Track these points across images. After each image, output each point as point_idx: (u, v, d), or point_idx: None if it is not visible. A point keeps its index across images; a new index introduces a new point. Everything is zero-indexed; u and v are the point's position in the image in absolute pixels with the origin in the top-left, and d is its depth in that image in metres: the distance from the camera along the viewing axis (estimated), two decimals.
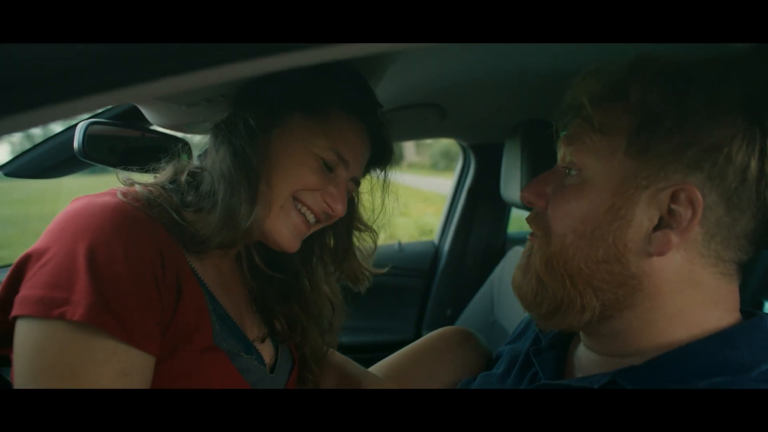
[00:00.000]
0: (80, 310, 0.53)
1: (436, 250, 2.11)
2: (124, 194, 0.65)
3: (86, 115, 0.93)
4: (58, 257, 0.56)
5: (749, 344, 0.54)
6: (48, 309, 0.54)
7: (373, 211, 0.86)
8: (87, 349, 0.55)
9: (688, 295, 0.56)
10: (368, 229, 0.87)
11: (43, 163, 1.03)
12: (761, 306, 1.20)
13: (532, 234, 0.65)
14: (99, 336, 0.55)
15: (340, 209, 0.74)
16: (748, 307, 0.60)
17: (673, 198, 0.54)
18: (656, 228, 0.55)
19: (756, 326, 0.56)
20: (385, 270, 0.90)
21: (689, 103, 0.53)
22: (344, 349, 0.99)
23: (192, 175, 0.72)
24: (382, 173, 0.84)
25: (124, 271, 0.57)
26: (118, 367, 0.56)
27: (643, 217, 0.55)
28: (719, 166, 0.52)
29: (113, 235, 0.58)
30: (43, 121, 0.37)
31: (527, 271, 0.63)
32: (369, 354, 1.13)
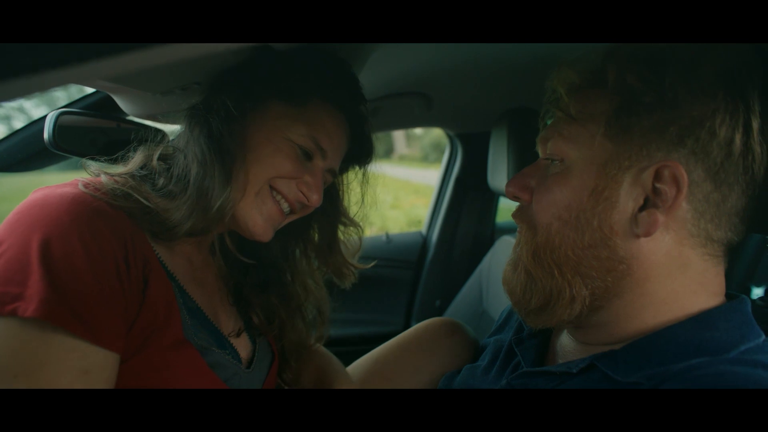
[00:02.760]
0: (32, 306, 0.51)
1: (424, 240, 2.10)
2: (86, 185, 0.62)
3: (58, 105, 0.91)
4: (11, 251, 0.54)
5: (728, 326, 0.54)
6: (0, 305, 0.51)
7: (359, 204, 0.85)
8: (42, 346, 0.52)
9: (677, 280, 0.55)
10: (353, 223, 0.86)
11: (13, 156, 1.00)
12: (749, 291, 1.21)
13: (520, 229, 0.64)
14: (55, 333, 0.52)
15: (315, 199, 0.73)
16: (736, 292, 0.59)
17: (657, 176, 0.53)
18: (642, 208, 0.54)
19: (735, 308, 0.56)
20: (370, 265, 0.89)
21: (667, 78, 0.52)
22: (333, 342, 0.98)
23: (164, 158, 0.70)
24: (364, 168, 0.83)
25: (82, 264, 0.54)
26: (78, 364, 0.53)
27: (628, 198, 0.54)
28: (702, 141, 0.51)
29: (70, 226, 0.55)
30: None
31: (516, 266, 0.63)
32: (358, 346, 1.12)
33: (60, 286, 0.52)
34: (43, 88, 0.28)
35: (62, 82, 0.28)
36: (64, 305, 0.52)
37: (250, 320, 0.81)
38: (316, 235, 0.86)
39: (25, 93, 0.29)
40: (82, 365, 0.53)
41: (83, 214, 0.57)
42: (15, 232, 0.55)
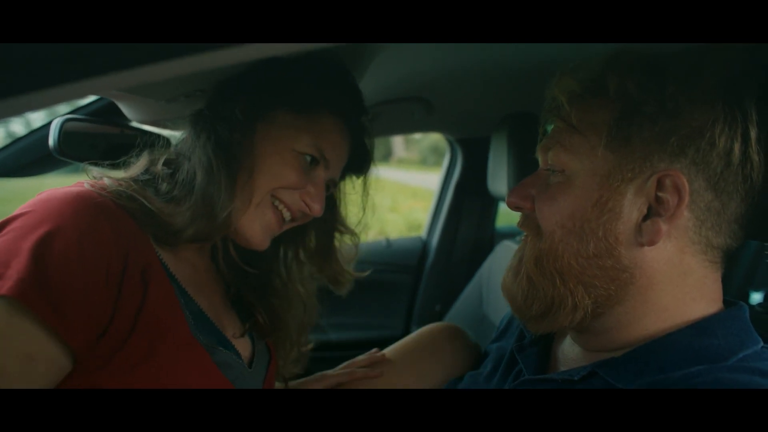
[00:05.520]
0: (8, 284, 0.52)
1: (424, 245, 2.11)
2: (92, 185, 0.63)
3: (62, 112, 0.91)
4: (9, 236, 0.55)
5: (726, 333, 0.54)
6: None
7: (359, 212, 0.86)
8: (3, 323, 0.52)
9: (678, 287, 0.56)
10: (349, 231, 0.87)
11: (17, 161, 1.01)
12: (747, 297, 1.21)
13: (525, 236, 0.64)
14: (21, 313, 0.52)
15: (317, 208, 0.74)
16: (735, 298, 0.60)
17: (660, 185, 0.54)
18: (645, 218, 0.55)
19: (734, 315, 0.56)
20: (366, 273, 0.90)
21: (667, 89, 0.53)
22: (333, 347, 0.99)
23: (168, 163, 0.71)
24: (362, 178, 0.84)
25: (73, 257, 0.55)
26: (27, 349, 0.53)
27: (632, 208, 0.55)
28: (703, 151, 0.52)
29: (71, 221, 0.56)
30: (12, 113, 0.35)
31: (518, 272, 0.63)
32: (357, 351, 1.12)
33: (42, 273, 0.53)
34: (64, 99, 0.29)
35: (84, 94, 0.29)
36: (39, 290, 0.52)
37: (251, 322, 0.81)
38: (312, 241, 0.86)
39: (46, 105, 0.29)
40: (30, 350, 0.53)
41: (86, 211, 0.58)
42: (15, 221, 0.56)
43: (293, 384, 0.91)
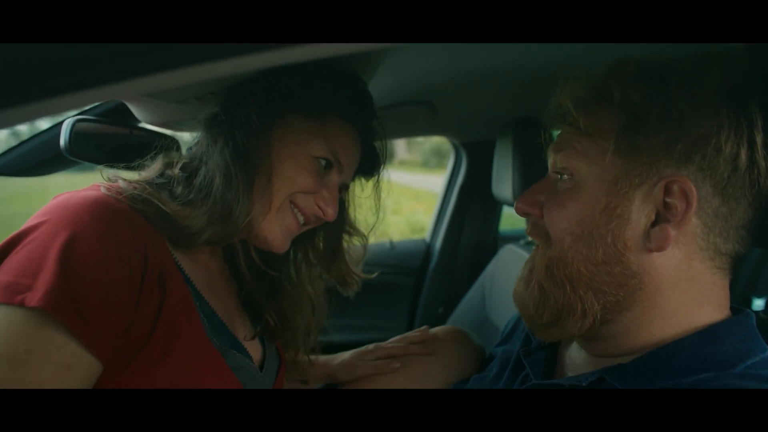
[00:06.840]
0: (38, 295, 0.52)
1: (428, 248, 2.11)
2: (108, 189, 0.63)
3: (73, 112, 0.92)
4: (30, 246, 0.55)
5: (733, 340, 0.54)
6: (12, 295, 0.53)
7: (371, 213, 0.87)
8: (37, 335, 0.53)
9: (685, 292, 0.56)
10: (358, 232, 0.87)
11: (28, 160, 1.01)
12: (750, 303, 1.22)
13: (536, 246, 0.65)
14: (53, 325, 0.53)
15: (331, 213, 0.74)
16: (738, 304, 0.60)
17: (667, 191, 0.54)
18: (654, 224, 0.55)
19: (741, 322, 0.56)
20: (374, 275, 0.91)
21: (671, 96, 0.54)
22: (335, 348, 0.99)
23: (184, 168, 0.71)
24: (373, 179, 0.85)
25: (97, 266, 0.55)
26: (64, 359, 0.54)
27: (640, 214, 0.55)
28: (709, 157, 0.53)
29: (91, 226, 0.57)
30: (31, 118, 0.36)
31: (529, 282, 0.63)
32: None
33: (69, 283, 0.53)
34: (87, 102, 0.30)
35: (104, 97, 0.30)
36: (68, 300, 0.53)
37: (262, 325, 0.82)
38: (321, 242, 0.87)
39: (69, 108, 0.30)
40: (67, 361, 0.54)
41: (104, 216, 0.58)
42: (37, 230, 0.57)
43: (342, 355, 0.94)
